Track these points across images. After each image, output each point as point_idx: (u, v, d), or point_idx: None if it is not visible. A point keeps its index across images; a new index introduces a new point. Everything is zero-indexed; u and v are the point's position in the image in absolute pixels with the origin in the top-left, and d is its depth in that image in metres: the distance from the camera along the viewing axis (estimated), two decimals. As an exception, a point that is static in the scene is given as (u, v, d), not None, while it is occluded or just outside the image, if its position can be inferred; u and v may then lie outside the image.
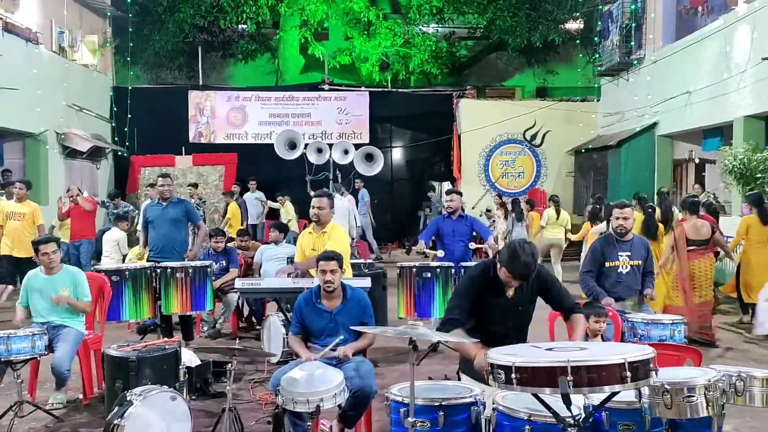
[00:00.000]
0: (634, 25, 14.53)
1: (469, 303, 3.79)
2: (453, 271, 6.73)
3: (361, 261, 8.56)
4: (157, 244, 6.97)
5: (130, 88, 16.79)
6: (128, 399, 4.02)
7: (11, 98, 12.25)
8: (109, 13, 16.81)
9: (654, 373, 2.74)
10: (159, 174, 7.32)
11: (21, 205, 9.04)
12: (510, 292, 3.78)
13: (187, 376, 4.86)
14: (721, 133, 12.21)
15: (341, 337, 4.39)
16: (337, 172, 13.41)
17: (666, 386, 3.03)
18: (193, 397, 5.32)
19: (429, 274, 6.62)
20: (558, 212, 11.33)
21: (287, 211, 13.72)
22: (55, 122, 14.11)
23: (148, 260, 6.94)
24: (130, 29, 16.79)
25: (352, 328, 4.35)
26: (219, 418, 4.31)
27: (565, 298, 3.92)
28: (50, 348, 5.17)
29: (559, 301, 3.90)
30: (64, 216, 10.37)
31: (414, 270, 6.70)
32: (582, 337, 3.80)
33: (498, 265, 3.70)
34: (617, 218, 5.51)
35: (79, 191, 10.52)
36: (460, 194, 7.65)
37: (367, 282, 5.54)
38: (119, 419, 3.90)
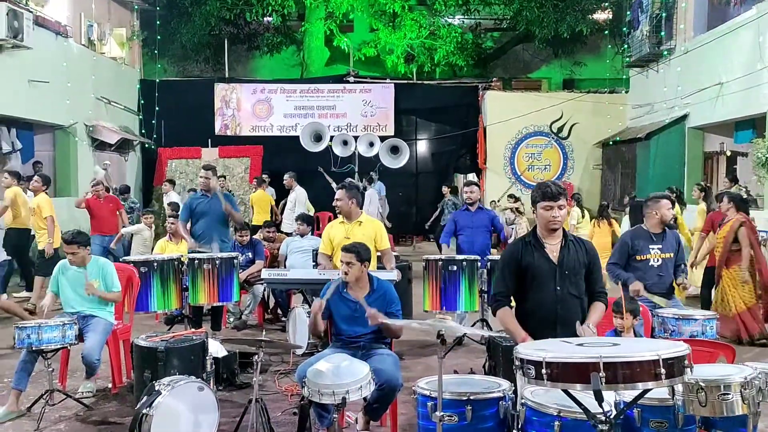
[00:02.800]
0: (664, 14, 14.25)
1: (511, 270, 3.78)
2: (479, 263, 6.69)
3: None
4: (204, 235, 6.98)
5: (157, 80, 16.95)
6: (156, 389, 4.05)
7: (42, 91, 12.44)
8: (136, 7, 16.97)
9: (689, 370, 2.68)
10: (203, 166, 7.32)
11: (35, 199, 8.92)
12: (554, 253, 3.73)
13: (214, 366, 4.89)
14: (754, 125, 11.94)
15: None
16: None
17: (701, 383, 2.97)
18: (219, 388, 5.36)
19: (455, 267, 6.58)
20: (583, 211, 11.55)
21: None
22: (84, 115, 14.29)
23: (190, 252, 6.93)
24: (158, 22, 16.93)
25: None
26: (245, 409, 4.33)
27: (598, 281, 3.89)
28: (80, 337, 5.25)
29: (592, 282, 3.85)
30: (79, 204, 10.04)
31: (440, 263, 6.67)
32: (596, 322, 3.75)
33: (535, 213, 3.75)
34: (670, 209, 5.40)
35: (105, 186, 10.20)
36: (479, 186, 7.62)
37: (394, 274, 5.54)
38: (148, 408, 3.94)
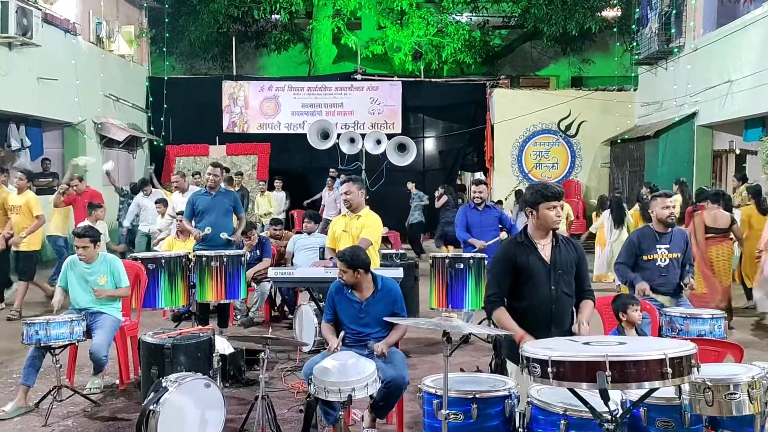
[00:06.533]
0: (674, 12, 14.17)
1: (505, 271, 3.77)
2: (486, 262, 6.67)
3: (393, 251, 8.54)
4: (208, 233, 6.99)
5: (165, 78, 17.01)
6: (163, 385, 4.06)
7: (51, 88, 12.49)
8: (145, 4, 17.02)
9: (696, 369, 2.66)
10: (210, 162, 7.30)
11: (19, 197, 8.50)
12: (546, 253, 3.74)
13: (220, 363, 4.90)
14: (763, 123, 11.88)
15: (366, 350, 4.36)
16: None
17: (708, 383, 2.96)
18: (226, 385, 5.38)
19: (462, 265, 6.56)
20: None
21: (268, 201, 13.63)
22: (92, 112, 14.35)
23: (195, 249, 6.93)
24: (166, 20, 16.99)
25: (384, 318, 4.32)
26: (252, 406, 4.34)
27: (586, 279, 3.93)
28: (88, 334, 5.27)
29: (581, 280, 3.88)
30: (61, 203, 9.72)
31: (447, 261, 6.65)
32: (588, 318, 3.76)
33: (532, 215, 3.76)
34: (667, 207, 5.32)
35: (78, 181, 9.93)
36: (488, 185, 7.60)
37: (399, 272, 5.54)
38: (155, 405, 3.95)
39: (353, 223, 5.78)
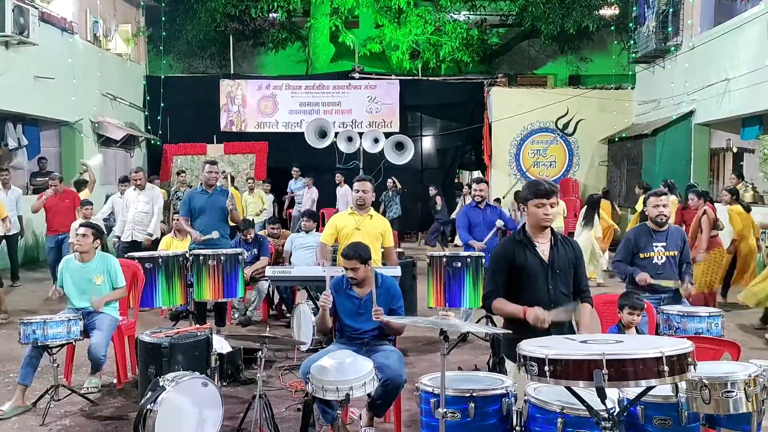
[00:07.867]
0: (671, 10, 14.18)
1: (502, 269, 3.74)
2: (483, 260, 6.67)
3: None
4: (205, 232, 6.93)
5: (162, 77, 16.98)
6: (161, 384, 4.06)
7: (47, 87, 12.47)
8: (142, 3, 16.99)
9: (693, 367, 2.66)
10: (206, 161, 7.22)
11: None
12: (545, 252, 3.72)
13: (218, 362, 4.89)
14: (761, 121, 11.90)
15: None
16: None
17: (704, 381, 2.96)
18: (224, 384, 5.37)
19: (459, 264, 6.56)
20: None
21: (260, 199, 13.54)
22: (89, 111, 14.33)
23: (191, 248, 6.88)
24: (163, 18, 16.95)
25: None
26: (249, 405, 4.34)
27: (583, 278, 3.87)
28: (85, 333, 5.27)
29: (577, 279, 3.83)
30: (39, 207, 9.59)
31: (444, 259, 6.65)
32: (588, 331, 3.70)
33: (525, 211, 3.75)
34: (657, 206, 5.30)
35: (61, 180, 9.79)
36: (488, 183, 7.60)
37: (397, 271, 5.54)
38: (152, 404, 3.95)
39: (366, 222, 5.77)
